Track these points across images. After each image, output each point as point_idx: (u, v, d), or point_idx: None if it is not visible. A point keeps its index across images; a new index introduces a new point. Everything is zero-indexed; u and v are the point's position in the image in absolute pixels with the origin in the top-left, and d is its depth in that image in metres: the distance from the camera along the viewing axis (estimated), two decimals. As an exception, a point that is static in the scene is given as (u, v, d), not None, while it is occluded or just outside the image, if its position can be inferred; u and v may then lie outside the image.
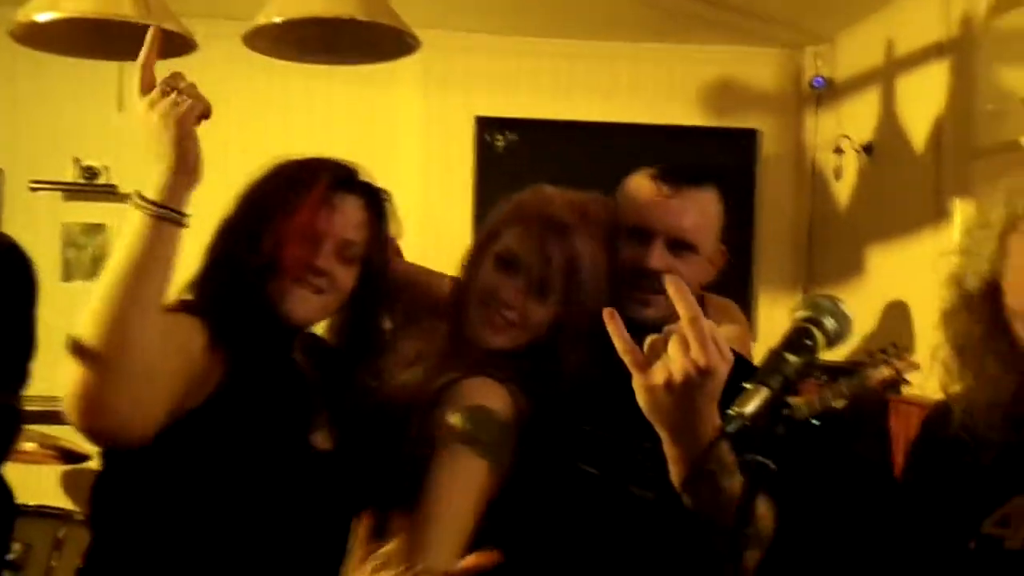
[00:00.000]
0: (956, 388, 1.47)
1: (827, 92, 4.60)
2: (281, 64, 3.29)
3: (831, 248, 4.63)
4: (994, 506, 1.40)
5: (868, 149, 4.26)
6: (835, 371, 3.14)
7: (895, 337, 3.47)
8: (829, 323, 1.26)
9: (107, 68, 4.23)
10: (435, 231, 4.56)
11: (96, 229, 4.55)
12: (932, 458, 1.54)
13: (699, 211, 1.70)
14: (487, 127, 4.67)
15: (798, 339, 1.23)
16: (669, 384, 1.23)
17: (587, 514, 1.54)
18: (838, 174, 4.42)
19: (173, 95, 1.36)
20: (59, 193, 4.50)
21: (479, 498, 1.46)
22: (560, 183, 5.05)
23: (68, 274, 4.50)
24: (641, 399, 1.27)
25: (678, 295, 1.26)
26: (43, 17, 2.73)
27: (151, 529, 1.49)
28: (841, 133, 4.40)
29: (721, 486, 1.32)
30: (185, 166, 1.35)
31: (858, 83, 4.40)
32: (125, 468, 1.50)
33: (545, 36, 4.65)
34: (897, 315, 3.93)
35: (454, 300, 1.68)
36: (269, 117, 4.62)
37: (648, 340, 1.27)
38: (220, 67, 4.43)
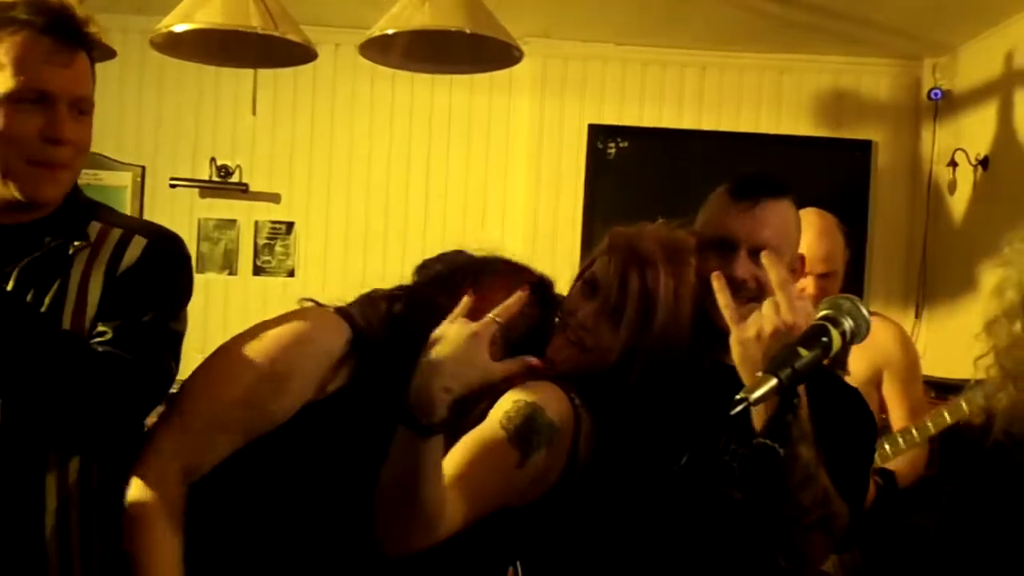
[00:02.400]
0: (1001, 397, 1.49)
1: (944, 104, 4.54)
2: (401, 71, 3.47)
3: (946, 263, 4.55)
4: None
5: (984, 163, 4.19)
6: (947, 388, 3.11)
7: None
8: (847, 323, 1.35)
9: (243, 75, 4.54)
10: (546, 236, 4.72)
11: (228, 224, 4.85)
12: (979, 467, 1.56)
13: (778, 221, 1.77)
14: (599, 134, 4.76)
15: (814, 336, 1.32)
16: (759, 336, 1.41)
17: (677, 514, 1.60)
18: (952, 188, 4.36)
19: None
20: (195, 190, 4.81)
21: (496, 483, 1.53)
22: (670, 192, 5.10)
23: (202, 266, 4.80)
24: (735, 351, 1.46)
25: (770, 264, 1.49)
26: (179, 28, 2.96)
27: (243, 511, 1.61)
28: (957, 146, 4.33)
29: (797, 452, 1.42)
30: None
31: (976, 96, 4.32)
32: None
33: (658, 45, 4.72)
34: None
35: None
36: (389, 123, 4.84)
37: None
38: (343, 74, 4.70)
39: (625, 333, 1.66)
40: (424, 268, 1.84)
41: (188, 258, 1.72)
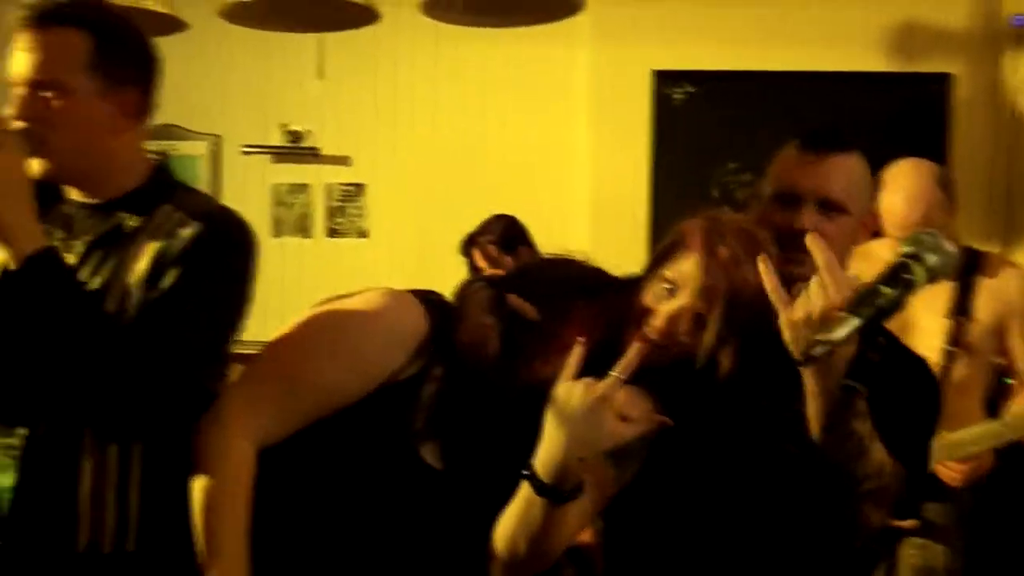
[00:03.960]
0: None
1: (1026, 31, 4.38)
2: (459, 28, 3.46)
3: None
4: None
5: (1070, 90, 4.05)
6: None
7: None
8: (930, 258, 1.33)
9: (307, 40, 4.56)
10: (610, 191, 4.68)
11: (301, 188, 4.93)
12: None
13: (845, 174, 1.75)
14: (665, 80, 4.67)
15: (896, 273, 1.30)
16: (808, 320, 1.37)
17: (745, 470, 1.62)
18: (1036, 119, 4.21)
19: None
20: (268, 156, 4.88)
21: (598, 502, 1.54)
22: (741, 138, 5.02)
23: (278, 231, 4.90)
24: (785, 333, 1.42)
25: (815, 247, 1.43)
26: (246, -4, 3.01)
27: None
28: (1041, 75, 4.19)
29: (852, 428, 1.42)
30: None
31: (1059, 21, 4.16)
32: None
33: (722, -15, 4.62)
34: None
35: (615, 309, 1.69)
36: (453, 81, 4.85)
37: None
38: (405, 34, 4.70)
39: (712, 333, 1.59)
40: (523, 275, 1.78)
41: (243, 244, 1.70)
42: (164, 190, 1.71)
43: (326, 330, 1.60)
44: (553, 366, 1.52)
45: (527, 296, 1.61)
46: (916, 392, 1.69)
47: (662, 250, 1.67)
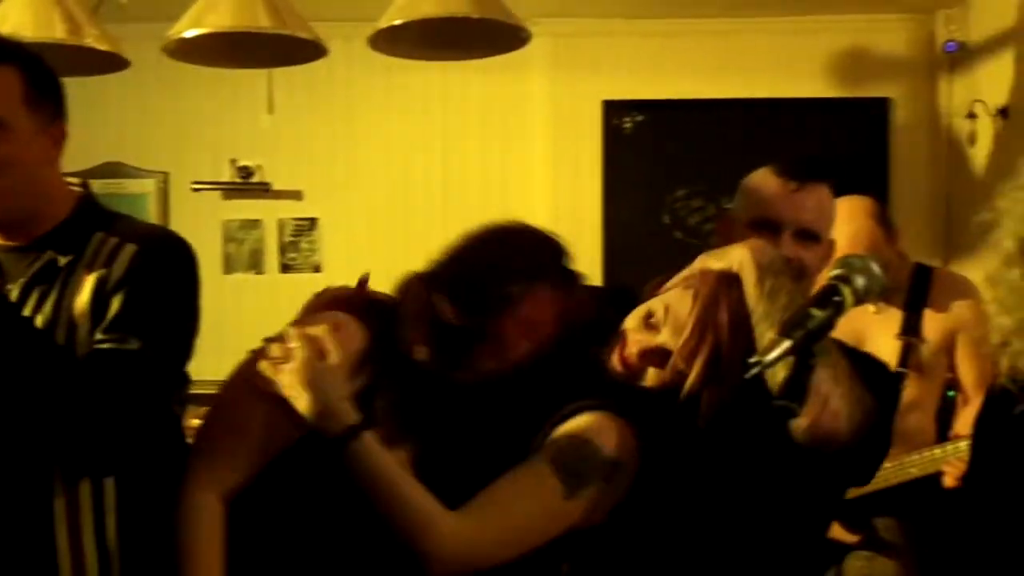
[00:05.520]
0: (1011, 344, 1.48)
1: (960, 56, 4.49)
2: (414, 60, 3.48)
3: (969, 216, 4.49)
4: None
5: (1004, 112, 4.15)
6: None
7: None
8: (859, 281, 1.37)
9: (258, 76, 4.57)
10: (565, 214, 4.71)
11: (253, 224, 4.90)
12: (995, 420, 1.54)
13: (820, 204, 1.82)
14: (615, 110, 4.76)
15: (826, 296, 1.34)
16: None
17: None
18: (972, 140, 4.32)
19: None
20: (218, 192, 4.86)
21: (543, 519, 1.53)
22: (688, 163, 5.08)
23: (230, 267, 4.86)
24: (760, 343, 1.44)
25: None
26: (190, 33, 3.00)
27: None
28: (975, 97, 4.30)
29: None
30: None
31: (991, 45, 4.27)
32: None
33: (669, 17, 4.70)
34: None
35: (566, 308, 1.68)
36: (404, 112, 4.86)
37: None
38: (356, 67, 4.71)
39: (694, 378, 1.56)
40: (460, 262, 1.74)
41: (180, 259, 1.70)
42: (93, 219, 1.70)
43: (249, 371, 1.59)
44: (495, 360, 1.54)
45: (461, 289, 1.60)
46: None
47: (665, 278, 1.67)
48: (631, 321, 1.63)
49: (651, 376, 1.62)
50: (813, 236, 1.79)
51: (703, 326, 1.55)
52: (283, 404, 1.52)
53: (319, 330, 1.53)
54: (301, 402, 1.49)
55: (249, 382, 1.56)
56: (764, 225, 1.77)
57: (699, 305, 1.56)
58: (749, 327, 1.52)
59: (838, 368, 1.45)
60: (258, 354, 1.58)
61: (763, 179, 1.84)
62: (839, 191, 2.87)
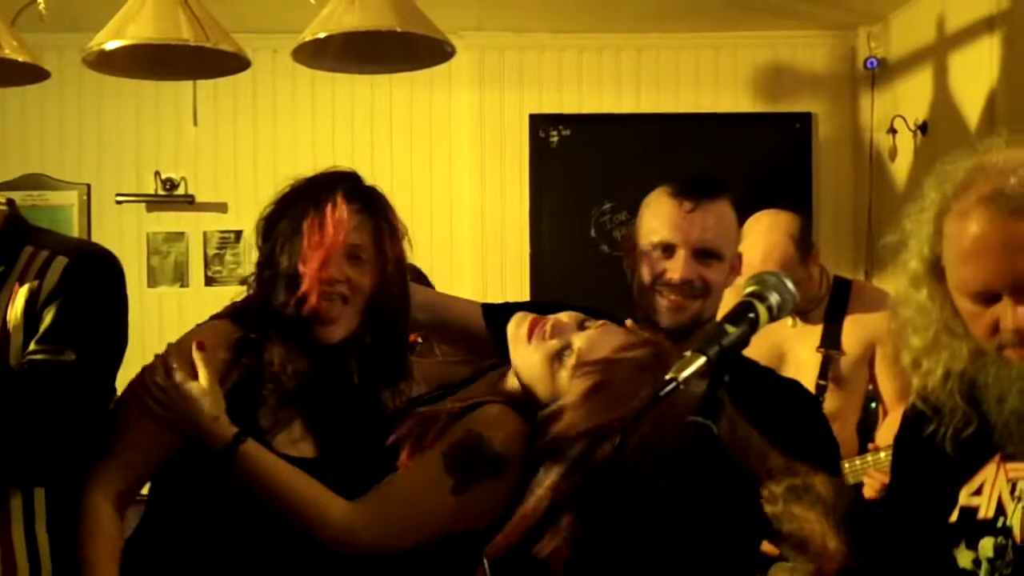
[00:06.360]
0: (921, 364, 1.50)
1: (881, 72, 4.59)
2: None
3: (891, 230, 4.60)
4: (968, 476, 1.42)
5: (923, 128, 4.25)
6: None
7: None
8: (773, 297, 1.38)
9: (182, 87, 4.50)
10: (492, 228, 4.74)
11: (177, 237, 4.82)
12: (910, 440, 1.57)
13: (718, 221, 1.83)
14: (541, 124, 4.78)
15: (741, 312, 1.35)
16: None
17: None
18: (893, 155, 4.42)
19: None
20: (142, 204, 4.77)
21: (432, 511, 1.58)
22: (613, 177, 5.11)
23: (154, 280, 4.78)
24: None
25: None
26: (111, 45, 2.94)
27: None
28: (896, 113, 4.40)
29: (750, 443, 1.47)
30: None
31: (911, 62, 4.38)
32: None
33: (594, 31, 4.74)
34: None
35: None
36: (331, 125, 4.82)
37: None
38: (281, 79, 4.67)
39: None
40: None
41: (111, 272, 1.73)
42: (20, 234, 1.70)
43: (137, 385, 1.66)
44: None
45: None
46: (796, 417, 1.74)
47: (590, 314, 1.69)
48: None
49: None
50: (714, 254, 1.82)
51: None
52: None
53: (185, 352, 1.64)
54: (176, 427, 1.61)
55: (137, 394, 1.64)
56: (663, 247, 1.81)
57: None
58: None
59: (817, 503, 1.47)
60: (147, 369, 1.66)
61: (657, 201, 1.86)
62: (761, 205, 2.94)
